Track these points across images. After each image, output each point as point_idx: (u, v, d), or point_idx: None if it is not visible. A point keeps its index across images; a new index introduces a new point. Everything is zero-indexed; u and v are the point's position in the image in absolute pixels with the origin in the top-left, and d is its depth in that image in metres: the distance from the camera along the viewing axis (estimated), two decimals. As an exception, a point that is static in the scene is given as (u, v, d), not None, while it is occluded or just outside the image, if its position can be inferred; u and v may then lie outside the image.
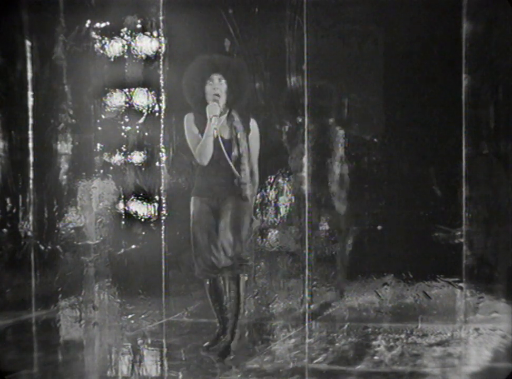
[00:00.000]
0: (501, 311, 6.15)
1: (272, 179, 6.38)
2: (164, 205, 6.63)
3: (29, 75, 6.88)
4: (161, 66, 6.59)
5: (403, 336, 5.94)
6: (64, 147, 6.86)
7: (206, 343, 5.58)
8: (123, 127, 6.70)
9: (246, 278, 5.47)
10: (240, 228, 5.42)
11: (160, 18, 6.59)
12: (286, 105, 6.47)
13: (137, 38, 6.66)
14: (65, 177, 6.84)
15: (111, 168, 6.73)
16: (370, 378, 4.91)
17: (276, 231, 6.47)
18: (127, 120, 6.70)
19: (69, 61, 6.80)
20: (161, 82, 6.59)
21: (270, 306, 6.41)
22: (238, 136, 5.41)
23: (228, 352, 5.37)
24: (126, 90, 6.69)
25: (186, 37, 6.53)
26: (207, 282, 5.54)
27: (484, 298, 6.21)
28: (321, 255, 6.47)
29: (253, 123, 5.54)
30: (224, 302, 5.55)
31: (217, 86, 5.41)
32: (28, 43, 6.86)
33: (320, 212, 6.48)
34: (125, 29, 6.66)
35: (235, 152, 5.39)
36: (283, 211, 6.47)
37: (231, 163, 5.36)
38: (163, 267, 6.53)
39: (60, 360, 5.55)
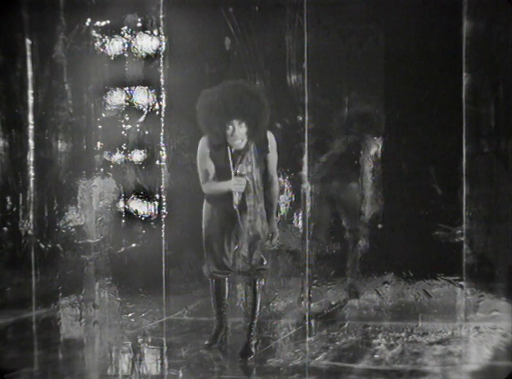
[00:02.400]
0: (502, 309, 6.15)
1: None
2: (164, 204, 6.63)
3: (29, 73, 6.88)
4: (161, 65, 6.59)
5: (403, 334, 5.94)
6: (64, 146, 6.86)
7: (207, 342, 5.59)
8: (123, 126, 6.70)
9: (263, 283, 5.43)
10: (258, 233, 5.34)
11: (161, 16, 6.59)
12: (287, 103, 6.47)
13: (137, 36, 6.66)
14: (65, 175, 6.84)
15: (111, 166, 6.73)
16: (371, 377, 4.91)
17: (277, 230, 6.46)
18: (127, 118, 6.70)
19: (69, 60, 6.79)
20: (162, 80, 6.59)
21: (270, 304, 6.41)
22: (250, 170, 5.26)
23: (249, 352, 5.34)
24: (126, 88, 6.69)
25: (186, 36, 6.53)
26: (213, 281, 5.54)
27: (484, 297, 6.21)
28: (321, 253, 6.48)
29: (271, 137, 5.38)
30: (225, 300, 5.58)
31: (238, 131, 5.22)
32: (28, 41, 6.86)
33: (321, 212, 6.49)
34: (125, 27, 6.66)
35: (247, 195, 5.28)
36: (283, 209, 6.47)
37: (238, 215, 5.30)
38: (163, 265, 6.53)
39: (61, 359, 5.55)
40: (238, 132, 5.23)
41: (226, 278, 5.56)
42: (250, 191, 5.27)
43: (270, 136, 5.39)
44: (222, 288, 5.56)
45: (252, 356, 5.30)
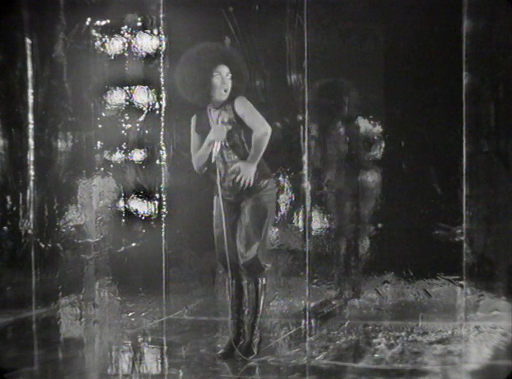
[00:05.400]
0: (502, 309, 6.15)
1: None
2: (164, 203, 6.63)
3: (29, 72, 6.88)
4: (161, 64, 6.60)
5: (403, 333, 5.94)
6: (64, 145, 6.87)
7: (221, 351, 5.36)
8: (123, 125, 6.70)
9: (264, 281, 5.30)
10: (259, 231, 5.20)
11: (161, 16, 6.59)
12: (287, 103, 6.48)
13: (137, 36, 6.67)
14: (65, 175, 6.84)
15: (111, 166, 6.73)
16: (371, 376, 4.91)
17: (277, 229, 6.47)
18: (127, 118, 6.70)
19: (69, 59, 6.80)
20: (162, 80, 6.59)
21: (271, 304, 6.41)
22: (230, 128, 5.13)
23: (250, 351, 5.26)
24: (126, 88, 6.69)
25: (186, 35, 6.52)
26: (228, 282, 5.38)
27: (484, 296, 6.21)
28: (321, 252, 6.48)
29: (237, 100, 5.16)
30: (242, 304, 5.35)
31: (226, 80, 5.12)
32: (28, 41, 6.86)
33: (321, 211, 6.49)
34: (125, 27, 6.67)
35: (223, 144, 5.16)
36: (283, 209, 6.47)
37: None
38: (163, 265, 6.53)
39: (61, 358, 5.55)
40: (227, 81, 5.11)
41: (246, 280, 5.34)
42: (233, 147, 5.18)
43: (238, 101, 5.18)
44: (237, 289, 5.34)
45: (253, 355, 5.28)
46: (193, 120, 5.33)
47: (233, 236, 5.25)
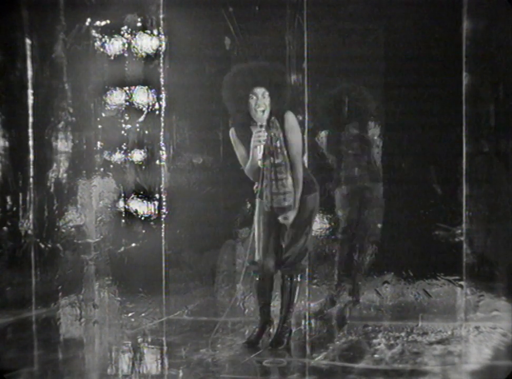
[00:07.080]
0: (502, 309, 6.15)
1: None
2: (164, 203, 6.63)
3: (29, 73, 6.88)
4: (161, 64, 6.60)
5: (403, 334, 5.94)
6: (64, 145, 6.87)
7: (246, 339, 5.63)
8: (123, 125, 6.70)
9: (298, 279, 5.52)
10: (302, 232, 5.45)
11: (161, 16, 6.59)
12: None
13: (137, 36, 6.67)
14: (65, 175, 6.85)
15: (111, 166, 6.73)
16: (371, 376, 4.91)
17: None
18: (127, 118, 6.70)
19: (69, 60, 6.80)
20: (162, 80, 6.59)
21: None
22: (278, 145, 5.30)
23: (280, 342, 5.48)
24: (126, 88, 6.69)
25: (186, 35, 6.54)
26: (256, 278, 5.58)
27: (484, 296, 6.21)
28: (321, 253, 6.49)
29: (288, 115, 5.33)
30: (269, 301, 5.63)
31: (261, 101, 5.25)
32: (28, 41, 6.86)
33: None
34: (125, 27, 6.67)
35: (272, 161, 5.31)
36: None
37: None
38: (163, 265, 6.54)
39: (61, 358, 5.55)
40: (262, 102, 5.24)
41: (271, 277, 5.57)
42: (281, 166, 5.31)
43: (287, 115, 5.35)
44: (265, 286, 5.56)
45: (283, 346, 5.43)
46: (232, 134, 5.43)
47: (269, 235, 5.46)
